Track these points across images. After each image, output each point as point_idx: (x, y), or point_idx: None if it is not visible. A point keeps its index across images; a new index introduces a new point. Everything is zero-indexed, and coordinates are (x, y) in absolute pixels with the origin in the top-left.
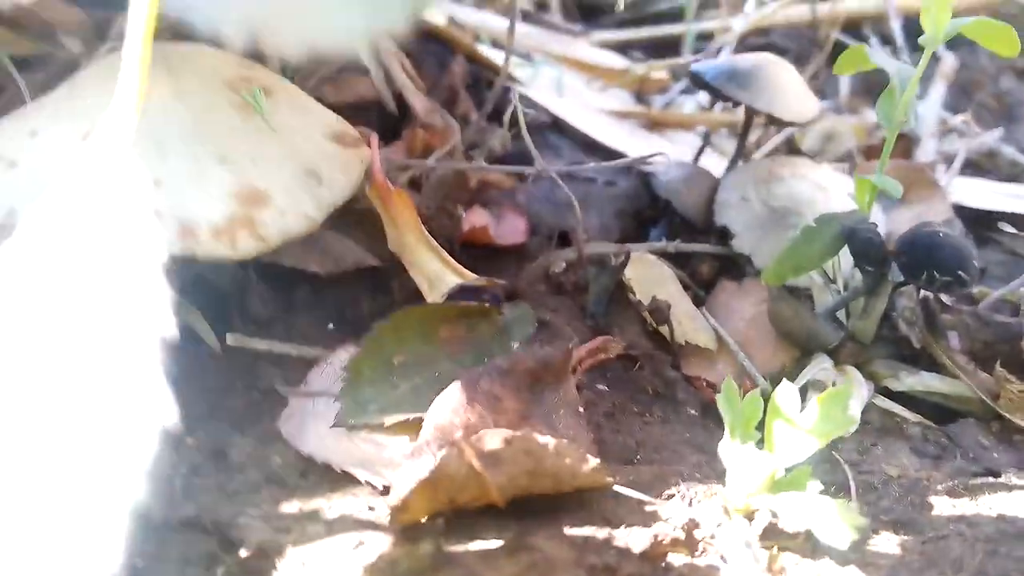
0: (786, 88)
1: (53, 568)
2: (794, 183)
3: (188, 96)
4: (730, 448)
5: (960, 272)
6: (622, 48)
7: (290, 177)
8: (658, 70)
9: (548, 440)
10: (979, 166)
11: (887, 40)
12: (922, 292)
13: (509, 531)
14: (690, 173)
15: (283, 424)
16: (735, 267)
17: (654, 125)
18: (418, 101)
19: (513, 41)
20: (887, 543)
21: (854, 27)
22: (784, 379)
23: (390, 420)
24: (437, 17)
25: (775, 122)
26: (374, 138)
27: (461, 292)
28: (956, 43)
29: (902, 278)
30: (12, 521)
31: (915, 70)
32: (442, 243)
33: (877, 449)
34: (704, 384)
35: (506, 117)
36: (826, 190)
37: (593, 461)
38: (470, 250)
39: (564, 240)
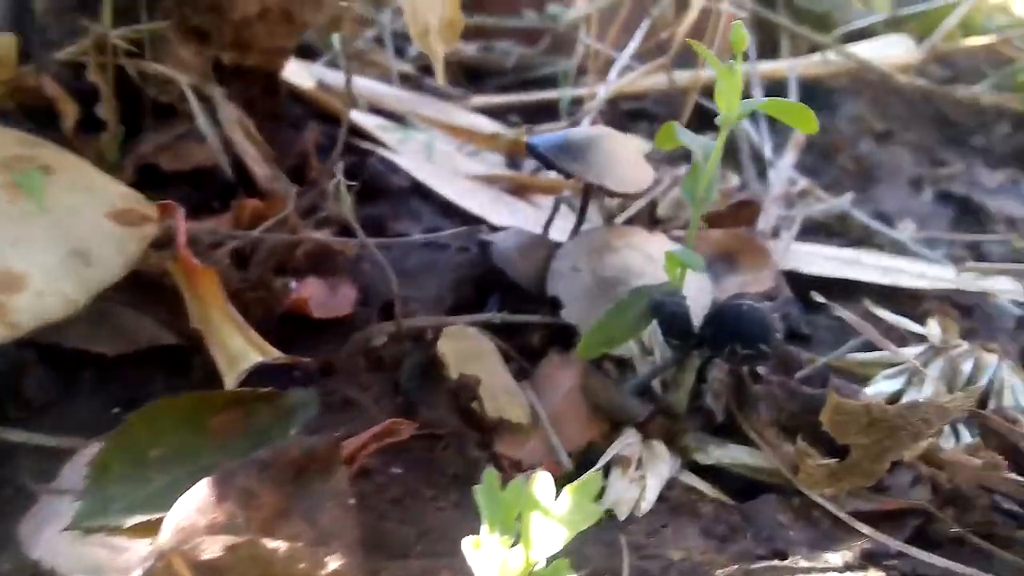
0: (618, 160)
1: None
2: (627, 254)
3: None
4: (481, 542)
5: (761, 345)
6: (501, 112)
7: (54, 259)
8: (526, 136)
9: (278, 545)
10: (831, 230)
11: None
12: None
13: None
14: (527, 241)
15: (24, 525)
16: (565, 337)
17: (522, 189)
18: (259, 168)
19: (352, 99)
20: None
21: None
22: (592, 456)
23: (132, 521)
24: (306, 80)
25: (609, 193)
26: (179, 212)
27: (264, 371)
28: (816, 109)
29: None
30: None
31: (713, 146)
32: (259, 317)
33: (667, 530)
34: (508, 464)
35: (337, 178)
36: (656, 261)
37: (333, 564)
38: (292, 323)
39: (390, 311)
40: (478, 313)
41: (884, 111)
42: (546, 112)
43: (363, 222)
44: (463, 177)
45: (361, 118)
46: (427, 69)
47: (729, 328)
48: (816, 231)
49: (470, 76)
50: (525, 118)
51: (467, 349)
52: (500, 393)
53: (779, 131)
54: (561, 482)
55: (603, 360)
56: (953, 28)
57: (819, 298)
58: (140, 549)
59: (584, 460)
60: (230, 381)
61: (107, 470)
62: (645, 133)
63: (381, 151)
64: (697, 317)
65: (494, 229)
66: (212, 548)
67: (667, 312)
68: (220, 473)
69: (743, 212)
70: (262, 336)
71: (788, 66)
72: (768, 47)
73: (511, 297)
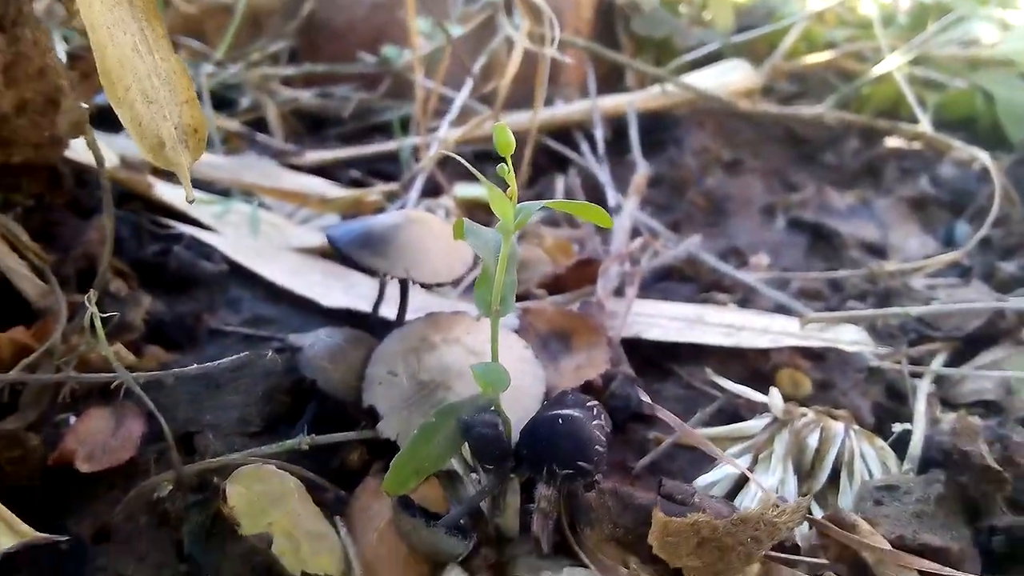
0: (427, 249)
1: None
2: (445, 351)
3: None
4: None
5: (580, 463)
6: (340, 166)
7: None
8: (367, 195)
9: None
10: (683, 274)
11: (592, 142)
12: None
13: None
14: (339, 344)
15: None
16: (389, 453)
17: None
18: (29, 286)
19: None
20: None
21: (564, 131)
22: None
23: None
24: (109, 156)
25: (422, 285)
26: None
27: (17, 557)
28: (663, 142)
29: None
30: None
31: (499, 246)
32: (20, 478)
33: None
34: None
35: (89, 312)
36: (480, 355)
37: None
38: (67, 477)
39: (189, 443)
40: (291, 431)
41: (731, 139)
42: (388, 162)
43: (166, 323)
44: (291, 252)
45: (172, 194)
46: (258, 123)
47: (544, 446)
48: (667, 276)
49: (308, 125)
50: (366, 170)
51: (265, 491)
52: (305, 542)
53: (624, 169)
54: None
55: (428, 477)
56: (795, 44)
57: (644, 396)
58: None
59: None
60: None
61: None
62: (493, 177)
63: (194, 232)
64: (525, 417)
65: (324, 311)
66: None
67: (476, 434)
68: None
69: (585, 271)
70: (27, 497)
71: (628, 101)
72: (613, 77)
73: (326, 409)
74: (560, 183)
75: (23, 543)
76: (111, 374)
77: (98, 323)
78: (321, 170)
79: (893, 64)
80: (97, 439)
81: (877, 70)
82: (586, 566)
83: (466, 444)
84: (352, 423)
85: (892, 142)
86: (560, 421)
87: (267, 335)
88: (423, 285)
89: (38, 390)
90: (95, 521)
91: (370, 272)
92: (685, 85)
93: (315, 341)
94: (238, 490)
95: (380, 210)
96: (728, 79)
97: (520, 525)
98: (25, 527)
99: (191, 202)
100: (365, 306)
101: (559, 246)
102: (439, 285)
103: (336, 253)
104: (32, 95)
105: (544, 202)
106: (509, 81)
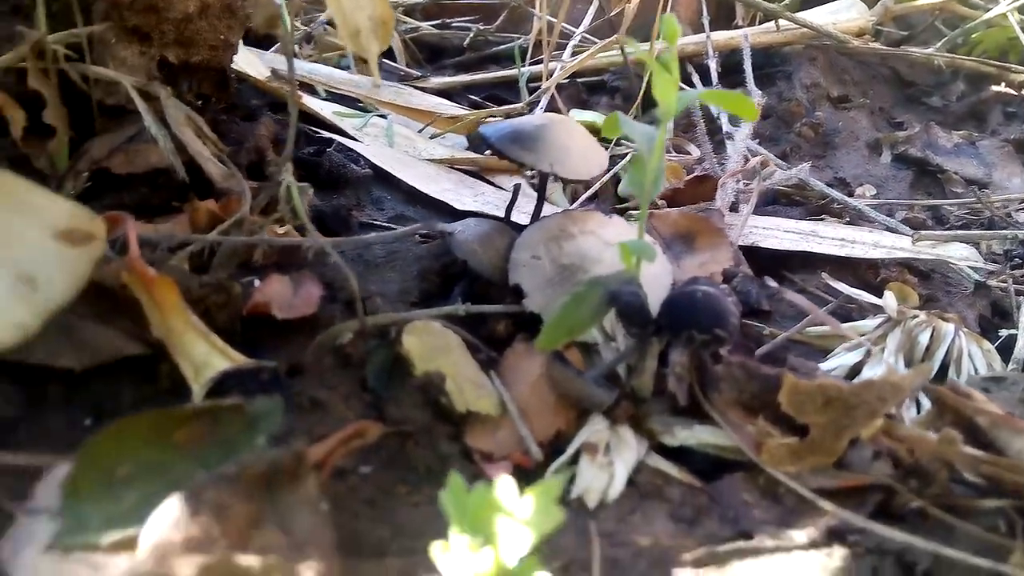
0: (570, 148)
1: None
2: (583, 240)
3: None
4: (450, 545)
5: (717, 330)
6: (460, 92)
7: (1, 286)
8: (487, 116)
9: (252, 560)
10: (791, 198)
11: (705, 73)
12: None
13: None
14: (487, 232)
15: (2, 547)
16: (531, 325)
17: (483, 171)
18: (213, 167)
19: (296, 84)
20: None
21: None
22: (561, 444)
23: (109, 538)
24: (260, 70)
25: (563, 181)
26: (129, 222)
27: (230, 377)
28: (773, 76)
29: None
30: None
31: (656, 135)
32: (222, 322)
33: (636, 516)
34: (480, 457)
35: (285, 180)
36: (613, 247)
37: (308, 573)
38: (258, 325)
39: (354, 307)
40: (444, 304)
41: (840, 76)
42: (505, 89)
43: (326, 213)
44: (425, 162)
45: (318, 105)
46: (386, 51)
47: (686, 314)
48: (775, 200)
49: (428, 54)
50: (484, 96)
51: (433, 343)
52: (467, 386)
53: None
54: (532, 473)
55: (568, 346)
56: None
57: (771, 283)
58: (119, 565)
59: (553, 449)
60: (197, 389)
61: (78, 489)
62: (605, 107)
63: (340, 139)
64: (657, 301)
65: (457, 213)
66: (186, 570)
67: (623, 302)
68: (190, 488)
69: (701, 187)
70: (227, 340)
71: (742, 35)
72: (723, 16)
73: (474, 287)
74: None
75: (235, 367)
76: (300, 239)
77: (295, 189)
78: (443, 94)
79: (1005, 7)
80: (283, 297)
81: (989, 15)
82: (716, 424)
83: (608, 313)
84: (497, 300)
85: (998, 87)
86: (699, 294)
87: (379, 236)
88: (564, 180)
89: (229, 253)
90: (288, 360)
91: (519, 164)
92: (801, 21)
93: (465, 228)
94: (411, 339)
95: None
96: (841, 17)
97: (652, 388)
98: (236, 354)
99: (378, 87)
100: (492, 211)
101: (671, 168)
102: (577, 181)
103: (488, 148)
104: (212, 0)
105: (698, 91)
106: (636, 4)
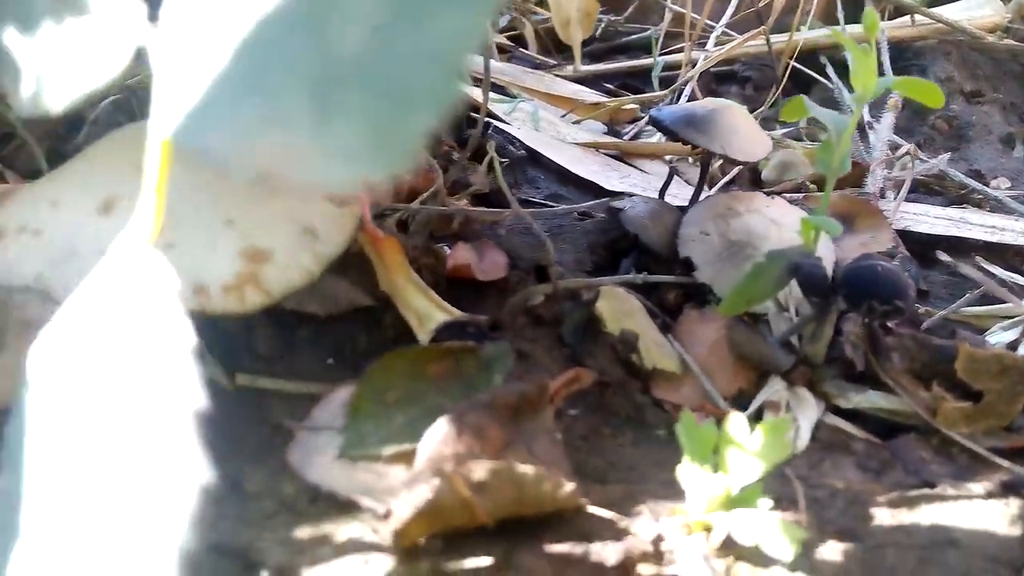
0: (738, 131)
1: None
2: (749, 218)
3: (196, 167)
4: (688, 471)
5: (897, 302)
6: (594, 80)
7: (291, 235)
8: (628, 103)
9: (528, 469)
10: (930, 188)
11: (841, 66)
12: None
13: (498, 550)
14: (655, 208)
15: (291, 456)
16: (698, 295)
17: (625, 155)
18: None
19: (490, 77)
20: (831, 551)
21: (810, 53)
22: (742, 401)
23: (387, 451)
24: None
25: (730, 161)
26: (363, 191)
27: (448, 328)
28: (907, 70)
29: (844, 305)
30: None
31: (848, 121)
32: (428, 280)
33: (825, 464)
34: (671, 407)
35: (490, 154)
36: (779, 224)
37: (568, 486)
38: (454, 286)
39: (541, 274)
40: (613, 274)
41: (972, 71)
42: (637, 77)
43: (492, 190)
44: (571, 144)
45: (470, 91)
46: (518, 40)
47: (867, 286)
48: (914, 189)
49: (557, 44)
50: (617, 84)
51: (619, 307)
52: (652, 345)
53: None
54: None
55: (739, 316)
56: None
57: (944, 256)
58: (398, 474)
59: (736, 406)
60: (423, 337)
61: (359, 410)
62: (736, 95)
63: (494, 122)
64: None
65: (606, 193)
66: (480, 471)
67: (807, 273)
68: (455, 412)
69: (851, 174)
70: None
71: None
72: (850, 11)
73: (643, 260)
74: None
75: (451, 319)
76: (499, 210)
77: (496, 162)
78: (579, 82)
79: None
80: (476, 262)
81: None
82: (888, 389)
83: (785, 285)
84: (663, 271)
85: None
86: (880, 267)
87: (568, 207)
88: (732, 162)
89: (424, 222)
90: (488, 317)
91: (693, 146)
92: (936, 16)
93: (634, 204)
94: (603, 302)
95: (634, 120)
96: (975, 14)
97: (824, 355)
98: (452, 308)
99: (578, 72)
100: (639, 191)
101: (809, 154)
102: (745, 163)
103: (662, 131)
104: None
105: (892, 79)
106: None
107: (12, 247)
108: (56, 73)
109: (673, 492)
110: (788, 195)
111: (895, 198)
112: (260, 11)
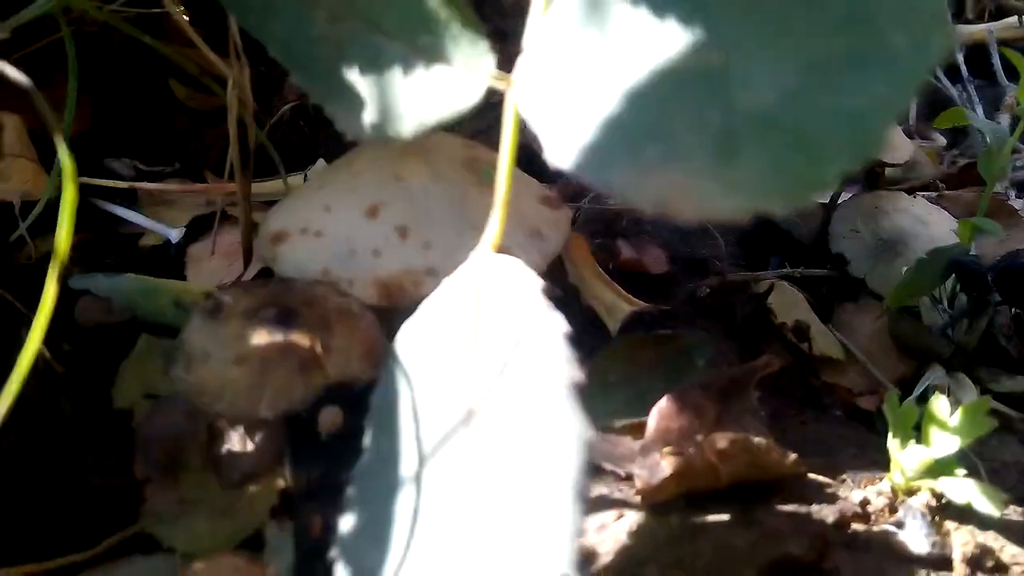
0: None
1: None
2: (897, 217)
3: (441, 176)
4: (894, 443)
5: None
6: None
7: (523, 236)
8: None
9: (760, 440)
10: None
11: (948, 69)
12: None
13: (733, 508)
14: (803, 208)
15: None
16: (848, 289)
17: None
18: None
19: None
20: (1015, 514)
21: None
22: (904, 385)
23: (618, 424)
24: None
25: (878, 163)
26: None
27: (634, 318)
28: (1014, 72)
29: (999, 299)
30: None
31: (1006, 131)
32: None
33: (992, 442)
34: (844, 391)
35: None
36: (926, 223)
37: (791, 455)
38: (623, 279)
39: (695, 267)
40: (761, 269)
41: None
42: None
43: None
44: None
45: None
46: None
47: (1020, 282)
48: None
49: None
50: None
51: (786, 299)
52: (817, 335)
53: (984, 92)
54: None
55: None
56: None
57: None
58: (628, 443)
59: (901, 389)
60: (612, 326)
61: (590, 390)
62: None
63: None
64: None
65: None
66: (722, 442)
67: (966, 270)
68: (676, 392)
69: (970, 173)
70: None
71: (986, 29)
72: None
73: (791, 255)
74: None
75: (636, 309)
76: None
77: None
78: None
79: None
80: (640, 257)
81: None
82: None
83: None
84: (814, 267)
85: None
86: None
87: None
88: (882, 164)
89: (590, 219)
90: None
91: None
92: None
93: None
94: (774, 294)
95: None
96: None
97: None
98: (634, 299)
99: None
100: None
101: (932, 151)
102: (893, 165)
103: None
104: None
105: None
106: None
107: (299, 246)
108: (406, 106)
109: (863, 463)
110: (922, 194)
111: (1015, 197)
112: (649, 68)
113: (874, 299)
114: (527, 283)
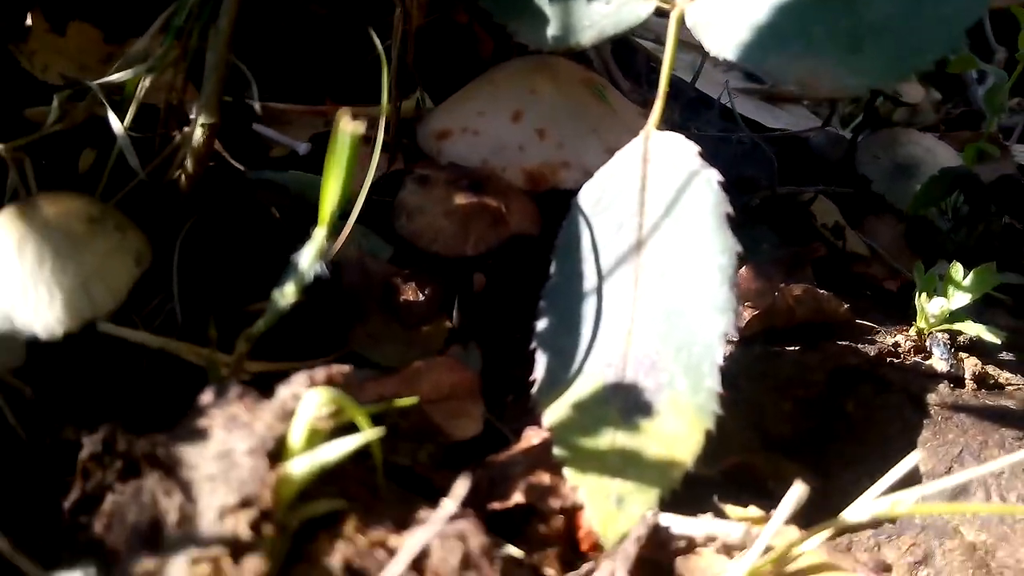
0: None
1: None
2: (910, 147)
3: (564, 92)
4: (922, 296)
5: None
6: None
7: (626, 139)
8: None
9: (824, 292)
10: None
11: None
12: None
13: (802, 341)
14: (833, 138)
15: None
16: (870, 204)
17: (770, 99)
18: (622, 82)
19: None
20: (1007, 354)
21: None
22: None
23: None
24: None
25: (896, 103)
26: None
27: None
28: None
29: (994, 208)
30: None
31: (1005, 74)
32: None
33: (986, 313)
34: (871, 276)
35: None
36: (933, 153)
37: (845, 305)
38: None
39: (747, 184)
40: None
41: None
42: None
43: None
44: (729, 89)
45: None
46: None
47: (1011, 193)
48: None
49: None
50: None
51: (822, 207)
52: (849, 236)
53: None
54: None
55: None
56: None
57: None
58: None
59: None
60: None
61: None
62: None
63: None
64: None
65: (767, 129)
66: (797, 290)
67: (969, 182)
68: (753, 263)
69: (966, 119)
70: None
71: None
72: None
73: (824, 176)
74: None
75: None
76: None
77: (730, 94)
78: None
79: None
80: None
81: None
82: None
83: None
84: (840, 186)
85: None
86: (1020, 181)
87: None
88: (897, 102)
89: None
90: None
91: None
92: None
93: (816, 135)
94: (817, 204)
95: None
96: None
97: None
98: None
99: None
100: (789, 128)
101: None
102: (907, 104)
103: None
104: None
105: None
106: None
107: (460, 142)
108: (588, 22)
109: (893, 320)
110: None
111: (1007, 140)
112: None
113: (892, 212)
114: (686, 148)
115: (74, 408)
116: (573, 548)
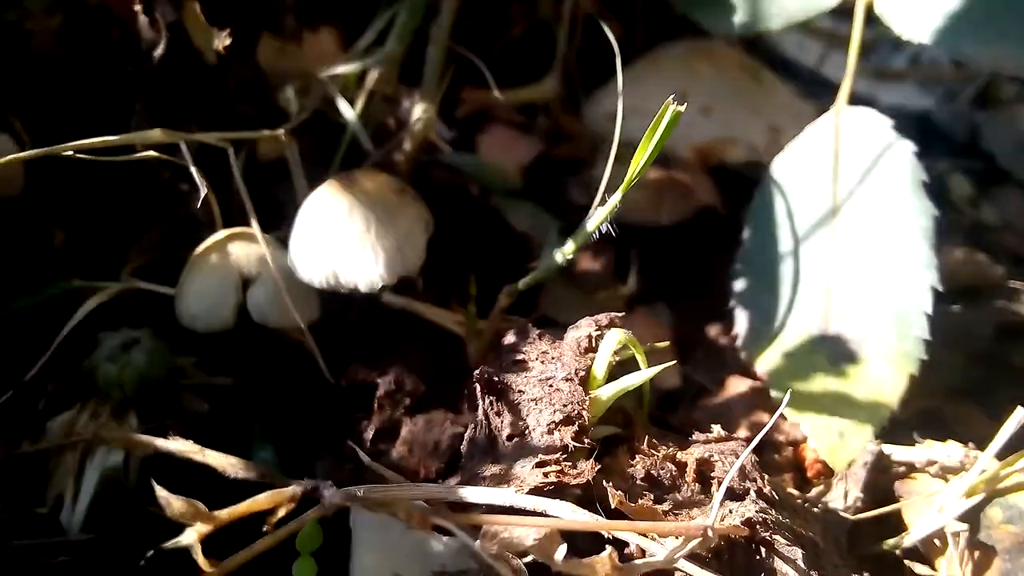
0: None
1: None
2: None
3: (725, 74)
4: None
5: None
6: None
7: (788, 120)
8: None
9: (981, 256)
10: None
11: None
12: None
13: (966, 301)
14: (956, 114)
15: None
16: (995, 177)
17: (881, 76)
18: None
19: None
20: None
21: None
22: None
23: None
24: None
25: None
26: None
27: None
28: None
29: None
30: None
31: None
32: None
33: None
34: (1004, 244)
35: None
36: None
37: (1000, 268)
38: None
39: None
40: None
41: None
42: None
43: None
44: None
45: None
46: None
47: None
48: None
49: None
50: None
51: (957, 180)
52: (981, 207)
53: None
54: None
55: None
56: None
57: None
58: None
59: None
60: None
61: None
62: None
63: None
64: None
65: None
66: (958, 252)
67: None
68: None
69: None
70: None
71: None
72: None
73: (950, 153)
74: None
75: None
76: None
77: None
78: None
79: None
80: None
81: None
82: None
83: None
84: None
85: None
86: None
87: None
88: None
89: None
90: None
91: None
92: None
93: (940, 110)
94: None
95: None
96: None
97: None
98: None
99: None
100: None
101: None
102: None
103: None
104: None
105: None
106: None
107: (631, 122)
108: (777, 9)
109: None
110: None
111: None
112: None
113: (1019, 185)
114: (878, 121)
115: (362, 358)
116: (800, 473)
